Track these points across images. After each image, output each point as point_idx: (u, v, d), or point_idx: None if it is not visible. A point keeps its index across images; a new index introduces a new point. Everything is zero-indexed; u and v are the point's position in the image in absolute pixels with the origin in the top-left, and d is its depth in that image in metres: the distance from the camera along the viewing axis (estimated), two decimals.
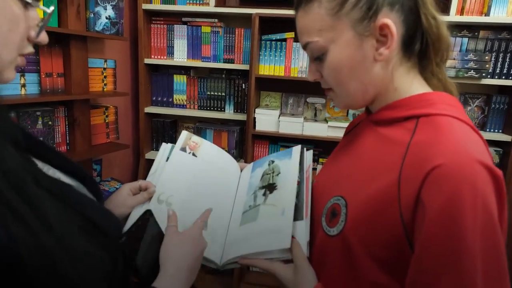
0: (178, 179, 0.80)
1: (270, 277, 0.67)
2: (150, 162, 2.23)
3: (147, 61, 2.11)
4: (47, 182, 0.50)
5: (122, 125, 2.08)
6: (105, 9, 1.68)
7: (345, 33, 0.58)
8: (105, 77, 1.82)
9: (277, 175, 0.78)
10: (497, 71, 1.87)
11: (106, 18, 1.69)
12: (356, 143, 0.68)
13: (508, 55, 1.85)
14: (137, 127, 2.26)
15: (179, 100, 2.22)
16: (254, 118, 2.03)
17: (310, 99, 2.18)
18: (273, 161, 0.83)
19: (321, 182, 0.73)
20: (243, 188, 0.84)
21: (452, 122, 0.54)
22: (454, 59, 1.84)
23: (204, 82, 2.17)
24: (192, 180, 0.82)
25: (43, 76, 1.48)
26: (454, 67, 1.84)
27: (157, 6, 2.04)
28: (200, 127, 2.21)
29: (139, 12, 2.02)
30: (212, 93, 2.18)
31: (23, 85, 1.42)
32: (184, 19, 2.10)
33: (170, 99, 2.23)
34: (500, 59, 1.86)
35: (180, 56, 2.12)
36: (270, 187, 0.76)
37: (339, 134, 1.96)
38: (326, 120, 2.07)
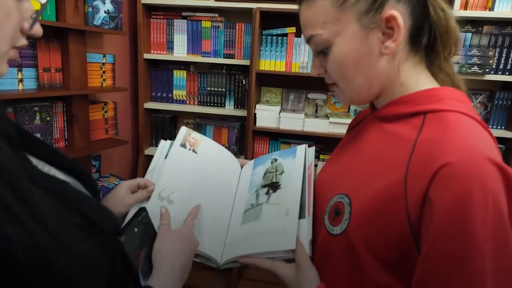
0: (179, 176, 0.79)
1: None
2: (150, 158, 2.21)
3: (146, 56, 2.09)
4: (42, 179, 0.49)
5: (121, 120, 2.07)
6: (104, 3, 1.66)
7: (350, 26, 0.56)
8: (104, 72, 1.80)
9: (281, 174, 0.76)
10: (501, 66, 1.85)
11: (105, 12, 1.67)
12: (360, 140, 0.67)
13: None
14: (136, 123, 2.24)
15: (179, 96, 2.20)
16: (255, 114, 2.01)
17: (311, 95, 2.16)
18: (276, 159, 0.81)
19: (324, 179, 0.71)
20: (244, 185, 0.83)
21: (460, 118, 0.52)
22: (457, 54, 1.82)
23: (204, 77, 2.15)
24: (192, 177, 0.80)
25: (41, 71, 1.46)
26: (457, 63, 1.82)
27: (156, 0, 2.01)
28: (200, 123, 2.20)
29: (138, 6, 1.99)
30: (212, 88, 2.16)
31: (21, 80, 1.40)
32: (184, 13, 2.08)
33: (170, 95, 2.21)
34: (504, 55, 1.84)
35: (180, 51, 2.10)
36: (273, 186, 0.75)
37: (340, 130, 1.94)
38: (327, 116, 2.05)
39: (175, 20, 2.07)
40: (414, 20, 0.56)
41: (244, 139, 2.13)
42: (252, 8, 1.86)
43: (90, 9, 1.60)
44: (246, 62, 2.01)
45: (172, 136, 2.29)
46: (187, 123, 2.31)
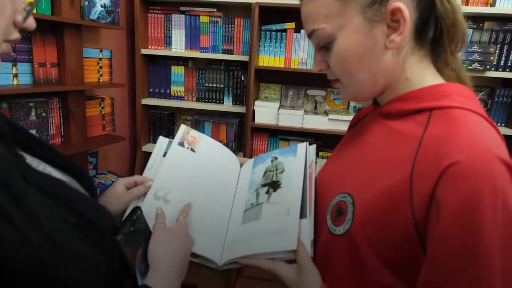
0: (176, 175, 0.77)
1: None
2: (147, 154, 2.21)
3: (144, 51, 2.06)
4: (36, 178, 0.48)
5: (119, 117, 2.04)
6: None
7: (353, 19, 0.54)
8: (100, 67, 1.78)
9: (281, 172, 0.75)
10: (501, 63, 1.83)
11: (101, 6, 1.64)
12: (362, 137, 0.65)
13: None
14: (134, 119, 2.22)
15: (177, 92, 2.18)
16: (253, 110, 2.00)
17: (310, 92, 2.15)
18: (276, 158, 0.80)
19: (325, 178, 0.69)
20: (244, 184, 0.81)
21: (468, 115, 0.51)
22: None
23: (202, 73, 2.13)
24: (190, 176, 0.79)
25: (36, 66, 1.43)
26: None
27: None
28: (198, 119, 2.18)
29: (135, 0, 1.96)
30: (211, 84, 2.14)
31: (15, 75, 1.38)
32: (182, 8, 2.05)
33: (168, 91, 2.19)
34: (505, 51, 1.83)
35: (178, 47, 2.08)
36: (273, 185, 0.73)
37: (340, 127, 1.93)
38: (326, 113, 2.04)
39: (173, 15, 2.04)
40: (420, 12, 0.54)
41: (243, 136, 2.11)
42: (251, 3, 1.84)
43: (86, 3, 1.57)
44: (245, 58, 1.99)
45: (170, 133, 2.28)
46: (185, 120, 2.29)
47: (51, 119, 1.54)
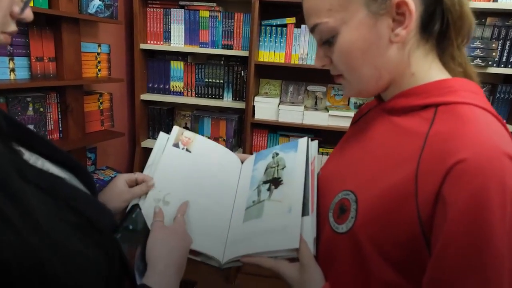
0: (174, 176, 0.77)
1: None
2: (146, 150, 2.20)
3: (142, 46, 2.04)
4: (34, 175, 0.47)
5: (117, 112, 2.03)
6: None
7: (357, 13, 0.53)
8: (99, 62, 1.76)
9: (282, 169, 0.74)
10: (503, 59, 1.82)
11: (100, 0, 1.62)
12: (366, 134, 0.64)
13: None
14: (132, 115, 2.20)
15: (176, 87, 2.16)
16: (253, 106, 1.98)
17: (310, 87, 2.13)
18: (277, 154, 0.78)
19: (327, 175, 0.68)
20: (245, 182, 0.80)
21: (475, 111, 0.50)
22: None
23: (201, 68, 2.11)
24: (188, 177, 0.78)
25: (34, 60, 1.42)
26: None
27: None
28: (197, 115, 2.16)
29: None
30: (210, 80, 2.12)
31: (12, 70, 1.36)
32: (181, 2, 2.03)
33: (167, 86, 2.17)
34: (507, 47, 1.81)
35: (177, 42, 2.06)
36: (275, 182, 0.72)
37: (340, 123, 1.92)
38: (326, 109, 2.02)
39: (172, 9, 2.02)
40: (426, 5, 0.53)
41: (243, 132, 2.10)
42: None
43: None
44: (244, 53, 1.97)
45: (169, 129, 2.26)
46: (185, 115, 2.28)
47: (49, 114, 1.52)
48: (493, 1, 1.73)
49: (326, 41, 0.57)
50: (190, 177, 0.78)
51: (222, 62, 2.11)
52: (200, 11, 2.00)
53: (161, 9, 2.03)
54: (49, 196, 0.46)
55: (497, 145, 0.44)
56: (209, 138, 0.92)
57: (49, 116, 1.52)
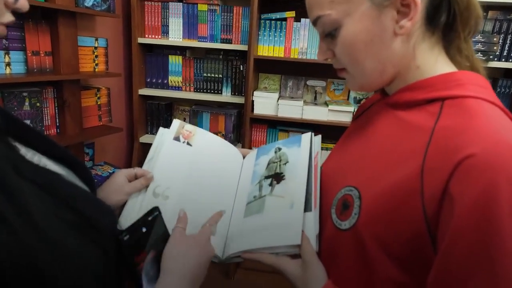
0: (174, 170, 0.75)
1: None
2: (145, 145, 2.19)
3: (140, 40, 2.02)
4: (31, 171, 0.46)
5: (115, 107, 2.01)
6: None
7: (360, 4, 0.51)
8: (96, 56, 1.74)
9: (285, 164, 0.72)
10: (505, 53, 1.81)
11: None
12: (369, 128, 0.63)
13: None
14: (130, 110, 2.19)
15: (175, 82, 2.14)
16: (252, 101, 1.97)
17: (310, 82, 2.12)
18: (280, 149, 0.77)
19: (330, 170, 0.67)
20: (247, 176, 0.79)
21: (483, 105, 0.49)
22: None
23: (200, 63, 2.09)
24: (188, 170, 0.77)
25: (30, 55, 1.39)
26: None
27: None
28: (196, 110, 2.14)
29: None
30: (209, 74, 2.10)
31: (8, 64, 1.34)
32: None
33: (165, 81, 2.15)
34: (508, 41, 1.80)
35: (176, 36, 2.03)
36: (277, 177, 0.71)
37: (340, 118, 1.90)
38: (326, 104, 2.01)
39: (170, 3, 1.99)
40: None
41: (242, 127, 2.09)
42: None
43: None
44: (243, 47, 1.95)
45: (167, 124, 2.24)
46: (183, 110, 2.26)
47: (45, 109, 1.50)
48: None
49: (329, 34, 0.56)
50: (190, 171, 0.77)
51: (221, 57, 2.09)
52: (199, 4, 1.97)
53: (159, 3, 2.00)
54: (46, 194, 0.45)
55: (506, 139, 0.43)
56: None
57: (46, 111, 1.51)
